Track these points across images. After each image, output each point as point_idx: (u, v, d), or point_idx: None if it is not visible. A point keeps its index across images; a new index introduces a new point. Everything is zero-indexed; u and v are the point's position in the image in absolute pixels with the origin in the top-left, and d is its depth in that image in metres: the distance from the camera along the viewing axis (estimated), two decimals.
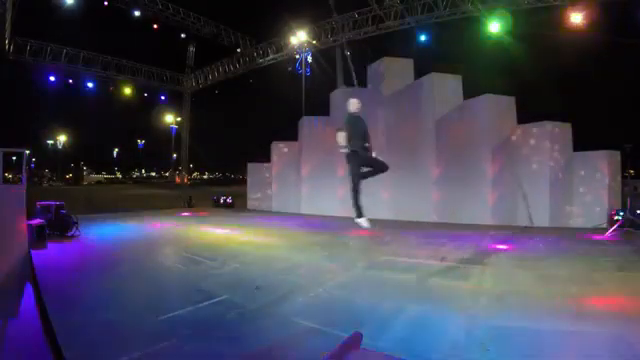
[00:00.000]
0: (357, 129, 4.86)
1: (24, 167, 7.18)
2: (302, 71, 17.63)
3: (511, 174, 10.97)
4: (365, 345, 1.20)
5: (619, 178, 10.25)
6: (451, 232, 9.54)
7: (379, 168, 5.06)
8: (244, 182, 19.08)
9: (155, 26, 18.39)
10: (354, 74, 9.19)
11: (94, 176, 76.06)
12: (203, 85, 24.46)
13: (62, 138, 52.90)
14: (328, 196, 14.57)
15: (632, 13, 11.13)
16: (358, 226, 4.95)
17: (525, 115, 11.38)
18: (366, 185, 15.04)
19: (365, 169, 5.05)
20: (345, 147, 4.84)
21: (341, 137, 4.89)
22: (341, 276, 5.24)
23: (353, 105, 5.08)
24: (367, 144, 4.90)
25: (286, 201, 15.72)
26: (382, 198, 13.77)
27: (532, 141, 10.78)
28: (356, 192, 4.96)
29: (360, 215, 4.94)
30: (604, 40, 12.30)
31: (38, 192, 17.77)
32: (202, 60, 23.86)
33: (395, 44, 15.47)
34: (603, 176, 9.97)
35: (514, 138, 11.18)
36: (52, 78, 19.35)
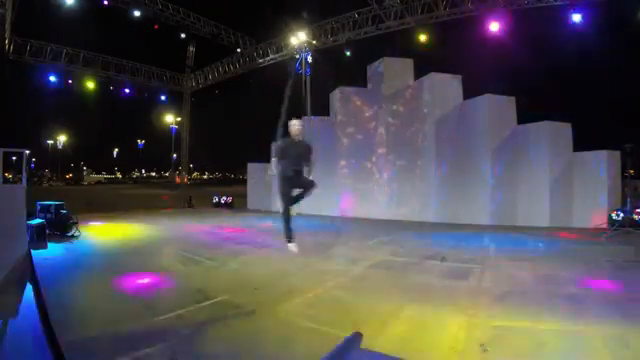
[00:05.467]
0: (289, 153, 5.04)
1: (24, 167, 7.18)
2: (302, 71, 17.62)
3: (511, 174, 10.98)
4: (365, 345, 1.20)
5: (619, 178, 10.24)
6: (451, 232, 9.55)
7: (309, 188, 5.11)
8: (244, 182, 19.08)
9: (155, 26, 18.38)
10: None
11: (94, 176, 76.26)
12: (203, 85, 24.45)
13: (62, 138, 53.00)
14: (328, 196, 14.57)
15: (632, 13, 11.12)
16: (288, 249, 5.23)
17: (525, 115, 11.38)
18: (366, 185, 15.22)
19: (297, 191, 5.13)
20: (274, 172, 5.11)
21: (273, 164, 5.19)
22: (341, 276, 5.23)
23: (292, 128, 5.21)
24: (299, 167, 5.02)
25: None
26: (382, 198, 13.79)
27: (532, 141, 10.79)
28: (286, 217, 5.15)
29: (290, 240, 5.17)
30: (604, 40, 12.30)
31: (38, 192, 17.78)
32: (202, 60, 23.85)
33: (395, 44, 15.47)
34: (603, 176, 9.96)
35: (514, 138, 11.17)
36: (52, 78, 19.34)
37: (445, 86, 12.59)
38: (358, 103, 14.62)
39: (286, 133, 5.35)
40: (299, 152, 5.08)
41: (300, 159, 5.05)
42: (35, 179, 54.84)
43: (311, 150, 5.20)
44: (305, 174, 5.07)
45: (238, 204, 17.77)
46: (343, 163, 14.45)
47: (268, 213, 15.22)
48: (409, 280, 5.02)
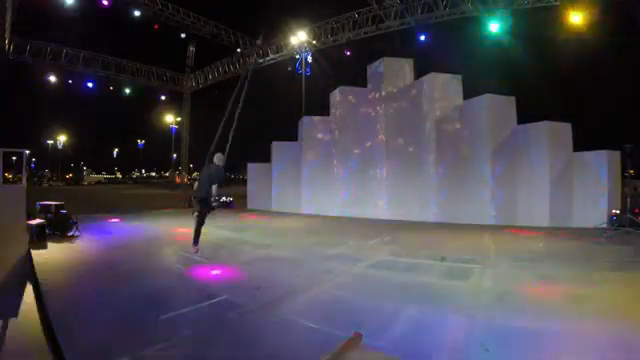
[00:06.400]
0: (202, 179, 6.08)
1: (24, 167, 7.18)
2: (302, 71, 17.63)
3: (511, 174, 10.98)
4: (365, 345, 1.20)
5: (619, 178, 10.24)
6: (451, 232, 9.54)
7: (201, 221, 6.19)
8: (244, 182, 19.08)
9: (155, 26, 18.39)
10: None
11: (94, 176, 76.20)
12: (203, 85, 24.47)
13: (62, 138, 53.00)
14: (328, 196, 14.58)
15: (632, 13, 11.12)
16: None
17: (525, 115, 11.38)
18: (366, 185, 15.32)
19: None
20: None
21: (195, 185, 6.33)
22: (341, 276, 5.23)
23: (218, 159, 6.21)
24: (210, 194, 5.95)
25: (286, 201, 15.72)
26: (382, 198, 13.79)
27: (532, 141, 10.78)
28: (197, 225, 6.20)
29: (194, 243, 6.28)
30: (604, 40, 12.30)
31: (38, 192, 17.78)
32: (202, 60, 23.90)
33: (395, 44, 15.48)
34: (603, 176, 9.96)
35: (514, 138, 11.18)
36: (52, 78, 19.36)
37: (445, 86, 12.59)
38: (358, 103, 14.62)
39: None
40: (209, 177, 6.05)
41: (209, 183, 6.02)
42: (35, 179, 54.81)
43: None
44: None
45: (238, 204, 17.75)
46: (342, 163, 14.45)
47: (268, 213, 15.22)
48: (409, 280, 5.02)
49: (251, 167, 17.92)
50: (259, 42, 14.83)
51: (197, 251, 6.18)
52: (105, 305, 4.03)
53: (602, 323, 3.31)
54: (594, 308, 3.75)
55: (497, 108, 11.46)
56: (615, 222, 9.12)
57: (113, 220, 11.86)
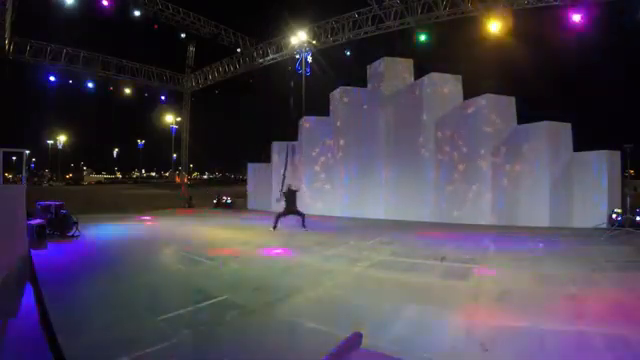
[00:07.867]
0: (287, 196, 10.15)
1: (24, 167, 7.18)
2: (302, 71, 17.62)
3: (511, 174, 10.98)
4: (365, 345, 1.19)
5: (619, 178, 10.24)
6: (451, 232, 9.54)
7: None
8: (244, 182, 19.08)
9: (155, 26, 18.41)
10: None
11: (94, 176, 76.01)
12: (203, 85, 24.47)
13: (62, 138, 52.93)
14: (328, 196, 14.57)
15: (632, 13, 11.13)
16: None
17: (525, 115, 11.39)
18: (366, 185, 15.49)
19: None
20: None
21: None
22: (341, 276, 5.23)
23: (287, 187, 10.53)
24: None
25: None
26: (382, 198, 13.77)
27: (532, 141, 10.78)
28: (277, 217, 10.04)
29: (274, 228, 9.82)
30: (604, 40, 12.31)
31: (38, 192, 17.77)
32: (202, 60, 23.91)
33: (395, 44, 15.49)
34: (603, 176, 9.95)
35: (514, 138, 11.17)
36: (52, 78, 19.37)
37: (445, 86, 12.59)
38: (358, 103, 14.60)
39: None
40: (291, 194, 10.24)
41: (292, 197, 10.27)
42: (35, 179, 54.72)
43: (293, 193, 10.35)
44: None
45: (238, 204, 17.76)
46: (342, 163, 14.44)
47: (268, 213, 15.19)
48: (409, 280, 5.02)
49: (251, 167, 17.90)
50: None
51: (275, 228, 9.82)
52: (105, 305, 4.03)
53: (602, 323, 3.31)
54: (594, 308, 3.75)
55: (497, 108, 11.47)
56: (615, 222, 9.11)
57: (113, 220, 11.86)
